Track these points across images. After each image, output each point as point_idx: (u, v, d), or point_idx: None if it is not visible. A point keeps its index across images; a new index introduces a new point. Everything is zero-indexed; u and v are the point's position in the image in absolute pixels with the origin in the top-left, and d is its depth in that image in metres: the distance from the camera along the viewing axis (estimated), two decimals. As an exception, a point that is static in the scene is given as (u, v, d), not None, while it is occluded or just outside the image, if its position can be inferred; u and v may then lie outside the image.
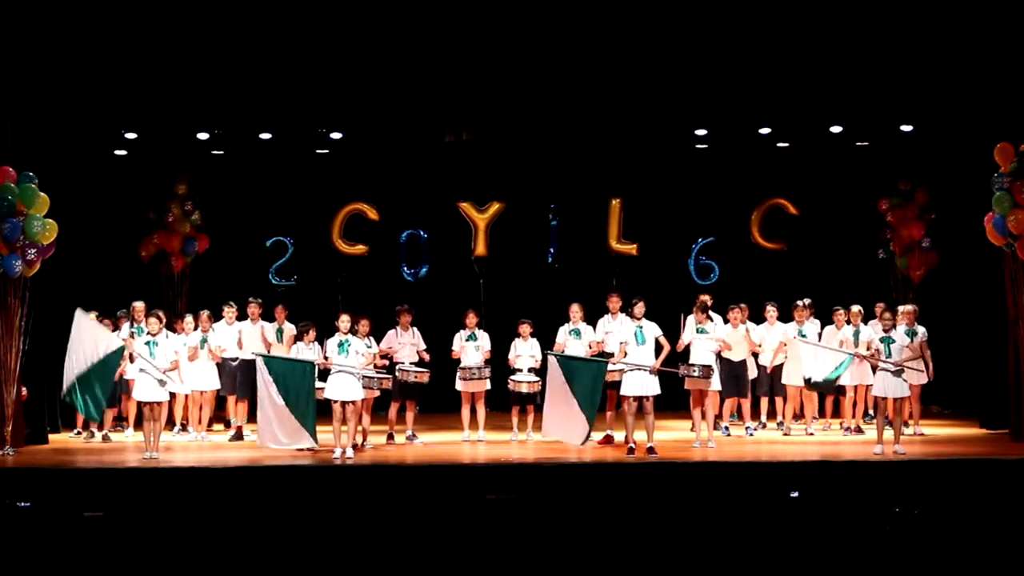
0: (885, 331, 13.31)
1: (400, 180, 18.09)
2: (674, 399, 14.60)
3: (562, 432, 13.61)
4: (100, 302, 15.41)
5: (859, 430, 14.69)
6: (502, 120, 16.51)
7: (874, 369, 13.41)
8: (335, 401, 13.18)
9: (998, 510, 10.90)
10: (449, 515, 11.07)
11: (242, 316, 15.35)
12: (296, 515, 11.14)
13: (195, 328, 14.97)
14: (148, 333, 13.42)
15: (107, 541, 10.29)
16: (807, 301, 14.85)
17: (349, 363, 13.17)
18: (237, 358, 15.03)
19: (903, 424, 13.48)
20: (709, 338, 13.60)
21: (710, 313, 13.80)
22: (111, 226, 17.02)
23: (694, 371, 13.41)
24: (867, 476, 12.05)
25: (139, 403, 13.74)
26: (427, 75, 15.26)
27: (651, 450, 12.95)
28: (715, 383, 13.89)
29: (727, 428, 14.72)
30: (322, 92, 15.46)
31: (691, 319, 13.65)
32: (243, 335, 15.02)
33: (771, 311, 15.01)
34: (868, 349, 13.52)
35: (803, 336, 14.57)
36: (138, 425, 15.23)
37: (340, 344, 13.20)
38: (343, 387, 13.15)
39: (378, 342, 14.12)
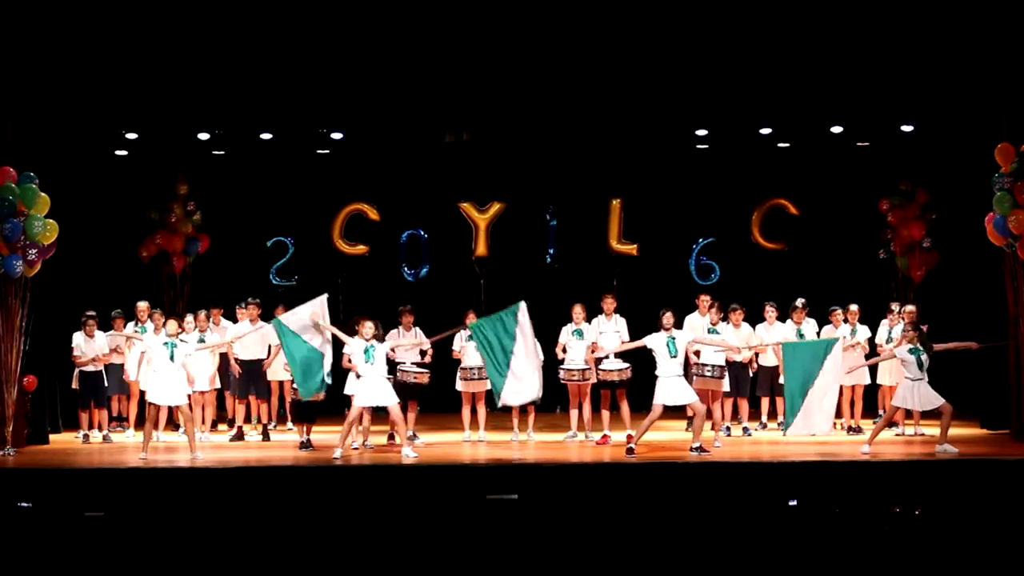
0: (912, 343, 13.28)
1: (400, 180, 18.09)
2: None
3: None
4: (100, 302, 15.42)
5: (859, 429, 14.70)
6: (502, 120, 16.50)
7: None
8: (365, 408, 13.16)
9: (998, 510, 10.90)
10: (449, 515, 11.07)
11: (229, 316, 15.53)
12: (296, 515, 11.15)
13: (194, 328, 14.98)
14: (167, 334, 13.39)
15: (107, 541, 10.29)
16: (802, 301, 14.88)
17: (379, 370, 13.16)
18: (238, 358, 15.07)
19: (893, 424, 13.57)
20: (719, 339, 13.65)
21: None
22: (111, 226, 17.01)
23: (706, 371, 13.50)
24: (867, 476, 12.04)
25: (157, 406, 13.74)
26: (427, 75, 15.25)
27: (700, 449, 12.98)
28: (724, 384, 13.92)
29: (728, 428, 14.72)
30: (322, 92, 15.45)
31: (692, 319, 13.71)
32: (244, 337, 15.01)
33: (771, 311, 15.02)
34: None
35: (801, 336, 14.64)
36: (138, 425, 15.26)
37: (366, 351, 13.19)
38: (375, 393, 13.11)
39: (378, 342, 14.13)
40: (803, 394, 13.08)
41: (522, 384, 13.30)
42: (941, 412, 13.24)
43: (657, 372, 13.17)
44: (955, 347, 13.63)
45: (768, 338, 14.84)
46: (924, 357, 13.17)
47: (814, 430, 13.31)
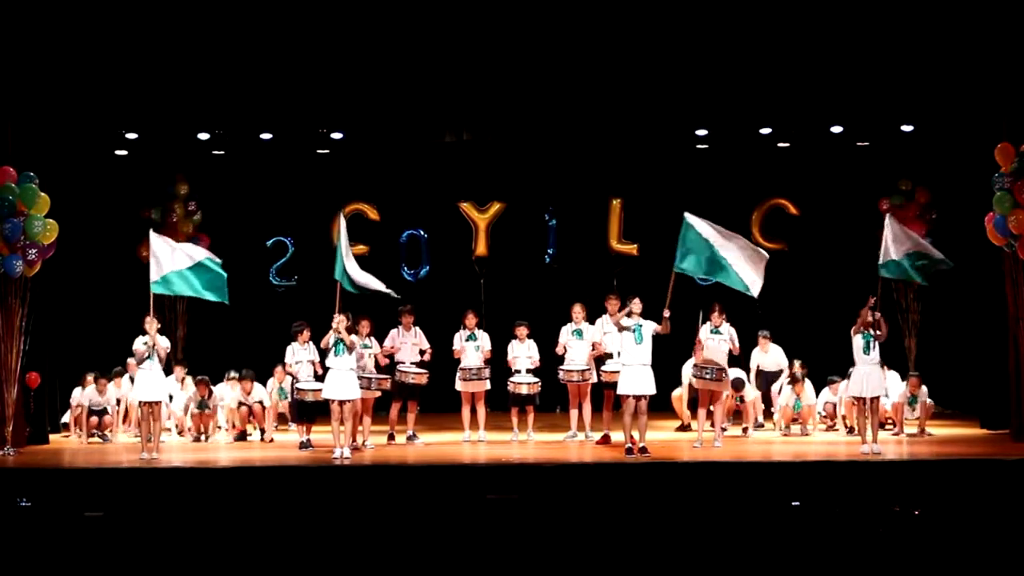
0: (865, 328, 13.24)
1: (400, 180, 18.09)
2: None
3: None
4: (100, 302, 15.41)
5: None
6: (502, 120, 16.50)
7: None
8: (333, 400, 13.19)
9: (998, 510, 10.90)
10: (449, 515, 11.07)
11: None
12: (296, 515, 11.14)
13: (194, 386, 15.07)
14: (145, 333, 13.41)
15: (107, 541, 10.29)
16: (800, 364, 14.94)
17: (346, 363, 13.18)
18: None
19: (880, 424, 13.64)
20: (723, 339, 13.63)
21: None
22: (111, 226, 17.00)
23: (706, 372, 13.50)
24: (867, 476, 12.04)
25: (138, 403, 13.72)
26: (427, 75, 15.27)
27: (643, 450, 12.93)
28: (724, 385, 13.89)
29: (724, 427, 14.69)
30: (322, 92, 15.47)
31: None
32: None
33: (764, 340, 15.14)
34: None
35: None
36: (139, 425, 15.26)
37: (336, 343, 13.19)
38: (340, 386, 13.15)
39: (380, 342, 14.13)
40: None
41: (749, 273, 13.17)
42: (871, 411, 13.18)
43: (621, 360, 13.15)
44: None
45: (764, 364, 14.92)
46: (873, 342, 13.12)
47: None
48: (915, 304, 17.18)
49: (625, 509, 11.25)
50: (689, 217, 13.32)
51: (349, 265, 13.41)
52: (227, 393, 14.98)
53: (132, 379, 14.26)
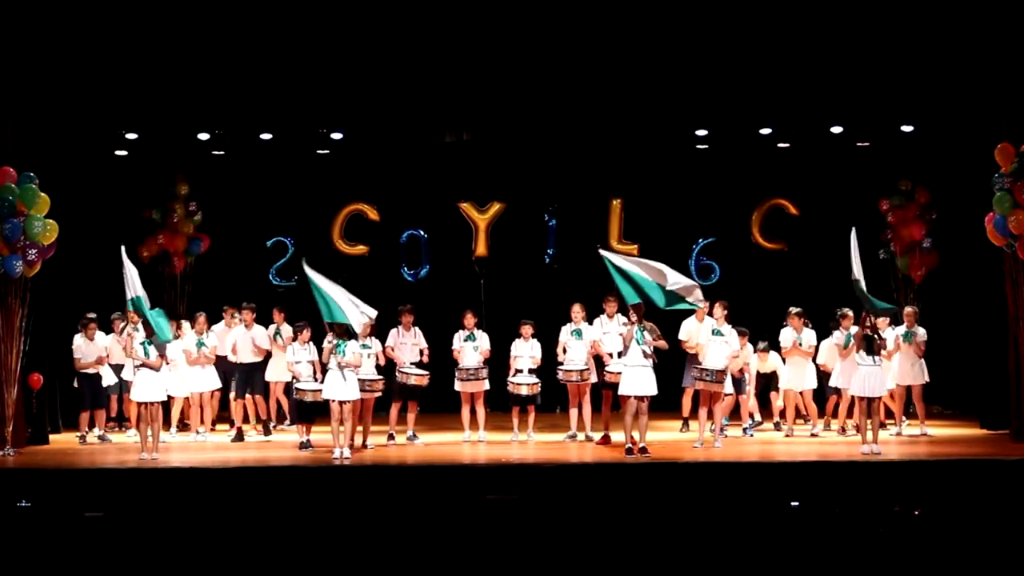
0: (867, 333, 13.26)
1: (400, 180, 18.08)
2: (672, 400, 14.65)
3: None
4: (100, 302, 15.40)
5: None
6: (502, 120, 16.50)
7: None
8: (332, 401, 13.20)
9: (998, 510, 10.90)
10: (449, 515, 11.07)
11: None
12: (296, 515, 11.15)
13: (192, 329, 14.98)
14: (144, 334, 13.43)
15: (107, 541, 10.29)
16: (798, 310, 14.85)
17: (347, 363, 13.19)
18: (238, 362, 15.09)
19: (880, 424, 13.61)
20: (725, 341, 13.62)
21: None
22: (111, 226, 16.99)
23: (707, 375, 13.50)
24: (867, 476, 12.04)
25: (137, 404, 13.71)
26: (427, 75, 15.26)
27: (643, 450, 12.95)
28: (727, 386, 13.89)
29: (723, 429, 14.69)
30: (322, 92, 15.46)
31: (703, 320, 13.77)
32: (238, 342, 15.02)
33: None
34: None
35: (800, 345, 14.61)
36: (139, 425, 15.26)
37: (337, 346, 13.20)
38: (340, 386, 13.16)
39: (381, 342, 14.12)
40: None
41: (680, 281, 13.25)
42: (872, 412, 13.18)
43: (624, 361, 13.18)
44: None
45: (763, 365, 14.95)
46: (875, 344, 13.13)
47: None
48: (915, 304, 17.17)
49: (625, 509, 11.26)
50: (604, 253, 13.49)
51: (340, 304, 13.32)
52: (228, 338, 15.06)
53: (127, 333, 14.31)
